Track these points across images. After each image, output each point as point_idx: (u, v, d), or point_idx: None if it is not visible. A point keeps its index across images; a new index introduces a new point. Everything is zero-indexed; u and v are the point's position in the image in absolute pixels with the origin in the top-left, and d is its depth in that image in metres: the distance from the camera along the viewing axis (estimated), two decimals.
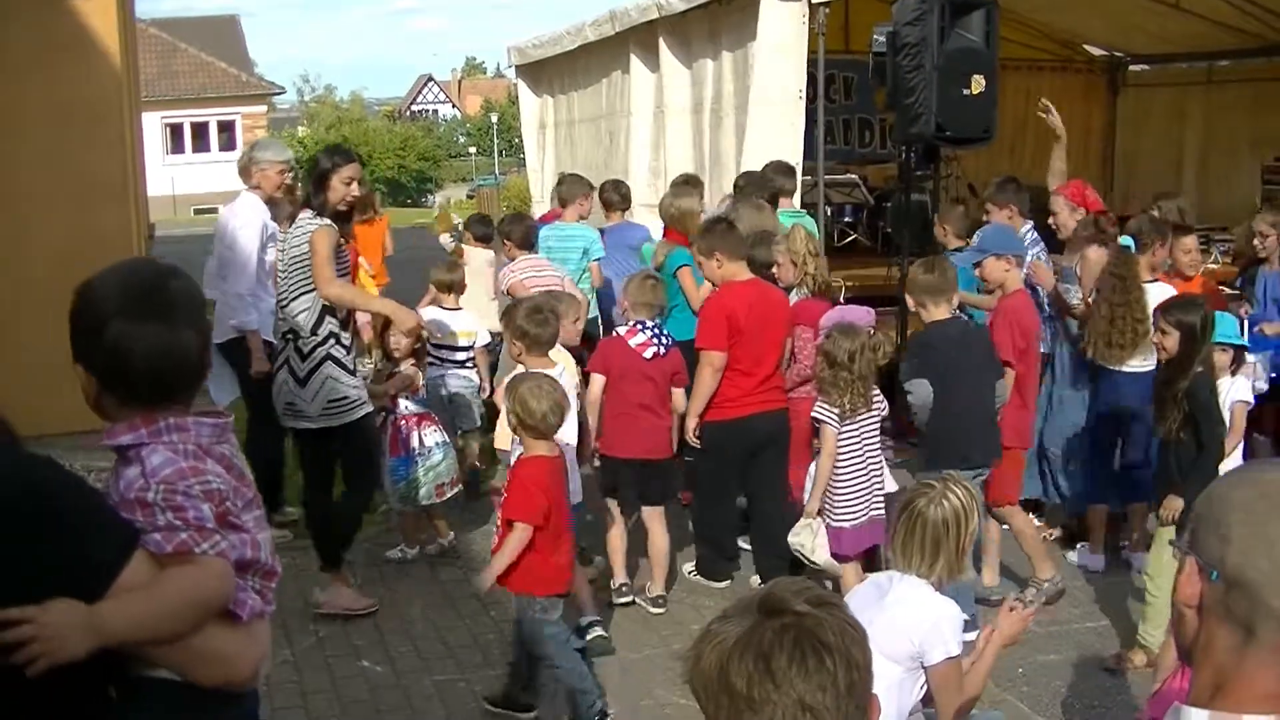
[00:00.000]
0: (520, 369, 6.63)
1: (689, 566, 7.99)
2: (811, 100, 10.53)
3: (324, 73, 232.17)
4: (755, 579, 7.56)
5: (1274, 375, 8.44)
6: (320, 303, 6.99)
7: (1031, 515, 8.13)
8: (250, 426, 8.17)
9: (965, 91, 9.66)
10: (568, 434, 6.73)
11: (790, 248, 8.06)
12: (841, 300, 8.79)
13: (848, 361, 6.76)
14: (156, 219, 23.85)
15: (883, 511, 7.00)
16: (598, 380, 7.41)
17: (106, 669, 2.47)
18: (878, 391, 7.05)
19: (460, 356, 9.03)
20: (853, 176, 14.75)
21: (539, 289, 8.46)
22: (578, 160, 15.54)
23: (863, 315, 7.52)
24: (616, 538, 7.61)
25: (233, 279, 8.31)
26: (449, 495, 8.14)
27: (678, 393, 7.53)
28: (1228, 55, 15.37)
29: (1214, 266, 10.58)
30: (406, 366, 7.91)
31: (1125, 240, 8.18)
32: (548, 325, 6.75)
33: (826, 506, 6.89)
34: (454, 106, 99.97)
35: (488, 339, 9.21)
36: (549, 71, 17.23)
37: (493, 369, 9.13)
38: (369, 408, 7.29)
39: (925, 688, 4.34)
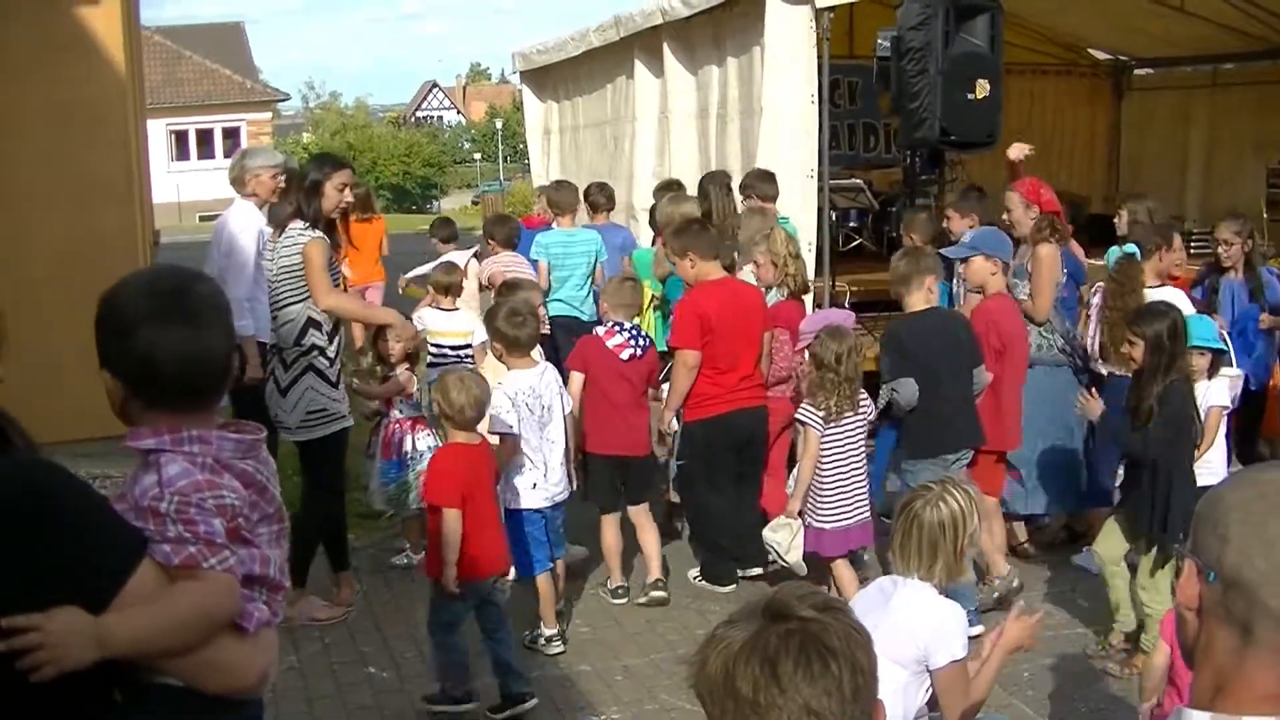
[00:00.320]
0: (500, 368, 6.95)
1: (694, 572, 8.00)
2: (818, 104, 10.53)
3: (329, 79, 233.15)
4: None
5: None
6: (306, 314, 6.97)
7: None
8: None
9: (970, 96, 9.68)
10: (555, 433, 6.89)
11: (771, 249, 8.11)
12: (846, 305, 8.83)
13: (835, 363, 6.81)
14: (162, 225, 23.87)
15: (868, 514, 7.11)
16: (577, 378, 7.56)
17: (111, 673, 2.47)
18: (864, 394, 7.10)
19: (455, 356, 9.07)
20: (857, 181, 14.72)
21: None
22: (582, 166, 15.54)
23: (844, 319, 7.65)
24: (611, 538, 7.74)
25: (231, 284, 8.26)
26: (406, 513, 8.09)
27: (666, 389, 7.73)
28: (1232, 58, 15.37)
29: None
30: (401, 371, 7.91)
31: (1130, 248, 8.16)
32: (525, 326, 6.92)
33: (809, 507, 6.96)
34: (459, 112, 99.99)
35: (484, 337, 9.23)
36: (554, 77, 17.24)
37: None
38: (348, 423, 7.27)
39: (931, 691, 4.34)
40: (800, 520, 6.96)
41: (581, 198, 11.17)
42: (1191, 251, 10.33)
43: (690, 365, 7.47)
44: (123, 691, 2.56)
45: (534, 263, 10.45)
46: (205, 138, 49.59)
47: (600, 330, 7.76)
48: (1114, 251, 9.47)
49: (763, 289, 8.08)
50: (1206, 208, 14.28)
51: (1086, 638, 7.00)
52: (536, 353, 7.45)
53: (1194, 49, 15.40)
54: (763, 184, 9.79)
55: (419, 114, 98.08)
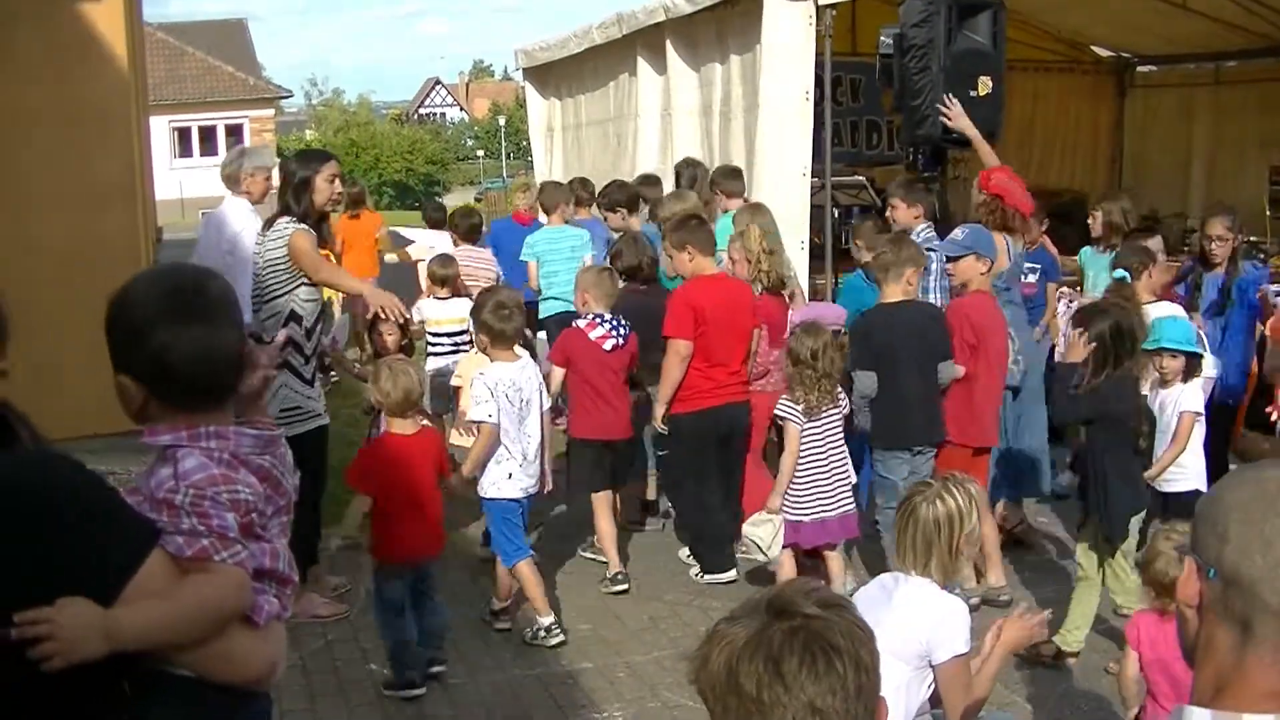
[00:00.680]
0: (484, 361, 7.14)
1: (695, 570, 8.03)
2: (818, 102, 10.53)
3: (331, 76, 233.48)
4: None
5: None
6: (287, 310, 6.99)
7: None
8: None
9: (972, 93, 9.66)
10: (532, 426, 7.02)
11: (745, 245, 8.20)
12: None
13: (810, 359, 6.93)
14: (164, 222, 23.91)
15: (851, 507, 7.21)
16: (557, 373, 7.75)
17: (121, 664, 2.47)
18: (840, 389, 7.20)
19: (450, 343, 9.31)
20: (860, 178, 14.73)
21: (469, 277, 9.93)
22: (585, 163, 15.53)
23: (836, 315, 7.79)
24: (605, 524, 7.89)
25: (238, 281, 8.29)
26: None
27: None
28: (1235, 56, 15.37)
29: None
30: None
31: (1119, 273, 8.14)
32: (511, 320, 7.00)
33: (786, 501, 7.06)
34: (461, 110, 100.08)
35: None
36: (556, 74, 17.23)
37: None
38: (323, 420, 7.26)
39: (933, 687, 4.34)
40: (781, 515, 7.06)
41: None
42: (1186, 248, 10.35)
43: (683, 355, 7.60)
44: (131, 682, 2.57)
45: (524, 264, 10.72)
46: (208, 134, 49.53)
47: (581, 323, 7.84)
48: (1086, 252, 9.46)
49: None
50: (1209, 205, 14.29)
51: (1089, 635, 6.99)
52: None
53: (1197, 46, 15.39)
54: (728, 180, 10.06)
55: (422, 111, 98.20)
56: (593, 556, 8.15)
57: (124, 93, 10.94)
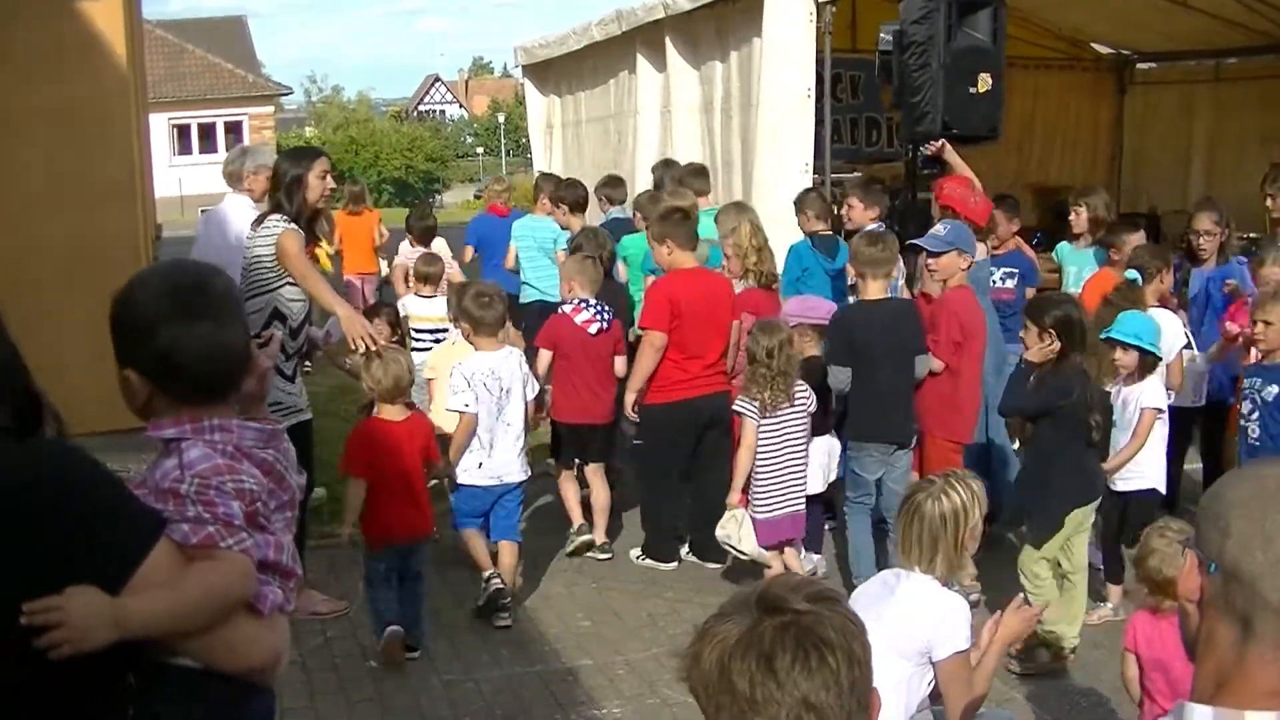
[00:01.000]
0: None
1: (635, 552, 8.20)
2: (818, 99, 10.53)
3: (331, 73, 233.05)
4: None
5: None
6: (272, 306, 6.97)
7: None
8: None
9: (972, 90, 9.66)
10: (512, 416, 7.18)
11: (735, 242, 8.36)
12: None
13: (765, 358, 7.02)
14: (163, 220, 23.88)
15: (802, 506, 7.28)
16: (545, 355, 7.98)
17: (125, 656, 2.48)
18: (804, 386, 7.25)
19: (432, 339, 9.48)
20: (859, 175, 14.74)
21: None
22: (585, 160, 15.54)
23: (828, 309, 7.92)
24: (570, 490, 8.33)
25: (240, 278, 8.31)
26: None
27: (620, 361, 8.13)
28: (1235, 53, 15.37)
29: None
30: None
31: (1131, 274, 8.12)
32: (491, 307, 7.19)
33: (750, 498, 7.15)
34: (461, 107, 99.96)
35: None
36: (556, 71, 17.23)
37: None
38: (305, 416, 7.26)
39: (933, 684, 4.34)
40: (745, 510, 7.17)
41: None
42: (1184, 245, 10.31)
43: (656, 346, 7.77)
44: (136, 675, 2.58)
45: (503, 253, 11.36)
46: (207, 132, 49.49)
47: (567, 308, 8.10)
48: (1064, 248, 9.41)
49: (731, 279, 8.38)
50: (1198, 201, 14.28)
51: (1088, 630, 6.99)
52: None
53: (1197, 43, 15.39)
54: (695, 179, 10.30)
55: (421, 108, 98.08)
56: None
57: (123, 90, 10.94)
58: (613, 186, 11.53)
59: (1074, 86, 17.17)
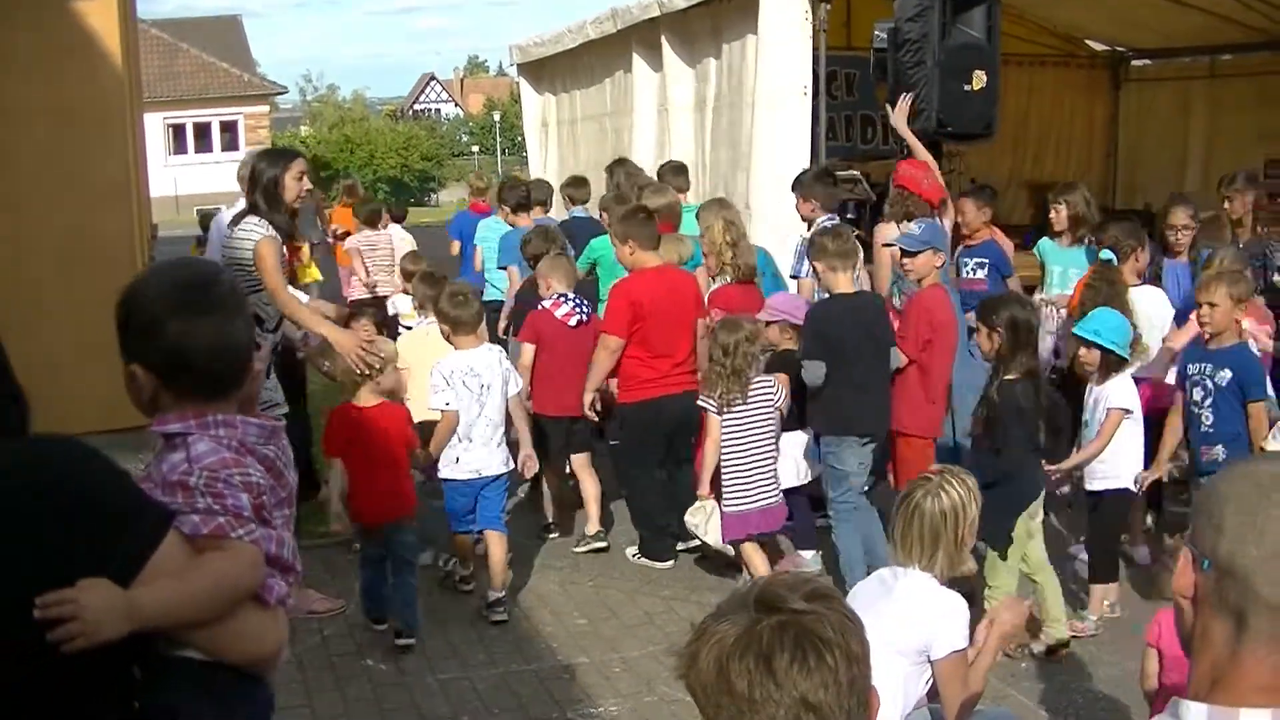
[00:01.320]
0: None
1: (632, 550, 8.24)
2: (814, 96, 10.53)
3: (326, 72, 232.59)
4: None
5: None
6: (251, 309, 6.96)
7: None
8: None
9: (967, 87, 9.65)
10: (491, 411, 7.27)
11: (709, 239, 8.48)
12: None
13: (721, 356, 7.11)
14: (159, 220, 23.82)
15: (775, 500, 7.32)
16: (528, 349, 8.19)
17: (133, 648, 2.49)
18: (770, 380, 7.33)
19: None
20: (854, 173, 14.71)
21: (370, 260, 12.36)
22: (580, 158, 15.54)
23: (800, 305, 7.98)
24: (555, 485, 8.62)
25: None
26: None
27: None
28: (1230, 49, 15.36)
29: None
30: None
31: (1105, 254, 8.13)
32: (467, 306, 7.34)
33: (718, 491, 7.25)
34: (456, 105, 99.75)
35: None
36: (551, 70, 17.23)
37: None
38: (284, 408, 7.26)
39: (931, 681, 4.35)
40: (714, 502, 7.27)
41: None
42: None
43: (612, 349, 7.91)
44: (142, 667, 2.59)
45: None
46: (202, 131, 49.43)
47: (547, 303, 8.29)
48: (1046, 245, 9.39)
49: (709, 275, 8.64)
50: (1205, 199, 14.26)
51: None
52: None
53: (1192, 40, 15.38)
54: (675, 176, 10.54)
55: (417, 107, 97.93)
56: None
57: (118, 90, 10.92)
58: (575, 186, 11.81)
59: (1069, 83, 17.17)
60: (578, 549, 8.34)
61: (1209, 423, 6.76)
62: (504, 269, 10.75)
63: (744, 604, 2.02)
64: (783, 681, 1.93)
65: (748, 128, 10.76)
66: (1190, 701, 1.94)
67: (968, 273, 9.27)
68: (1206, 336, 6.84)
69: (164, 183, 37.69)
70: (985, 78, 9.74)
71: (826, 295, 7.55)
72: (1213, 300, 6.71)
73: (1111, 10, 15.04)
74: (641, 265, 8.02)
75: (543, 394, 8.21)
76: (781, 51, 10.34)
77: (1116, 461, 6.95)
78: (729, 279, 8.46)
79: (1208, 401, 6.77)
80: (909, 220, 8.21)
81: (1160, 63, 16.89)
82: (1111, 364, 6.87)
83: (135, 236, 11.13)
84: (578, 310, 8.24)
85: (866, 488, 7.46)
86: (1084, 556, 7.47)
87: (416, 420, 7.20)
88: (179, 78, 47.70)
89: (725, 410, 7.14)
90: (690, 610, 7.34)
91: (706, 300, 8.37)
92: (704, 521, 7.34)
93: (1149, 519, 8.30)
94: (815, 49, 10.41)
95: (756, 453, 7.23)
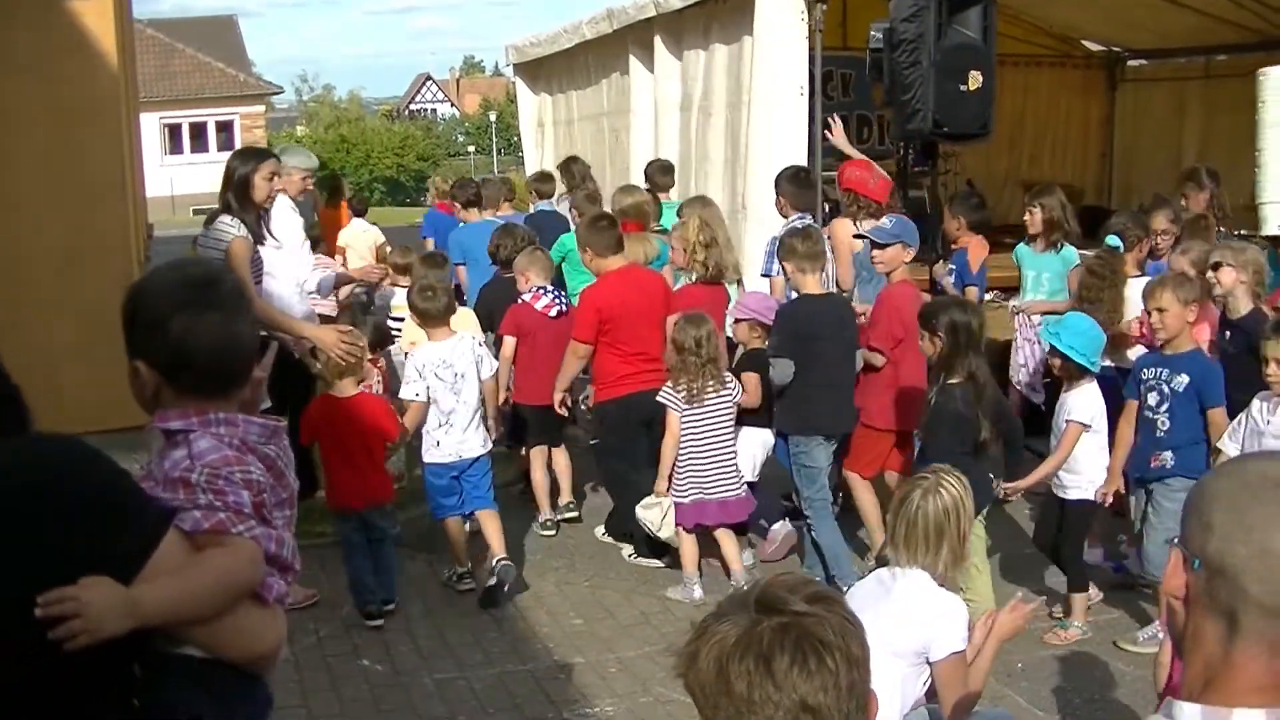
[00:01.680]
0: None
1: (628, 550, 8.29)
2: (809, 96, 10.53)
3: (322, 72, 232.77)
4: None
5: None
6: None
7: None
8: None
9: (963, 87, 9.65)
10: (468, 396, 7.53)
11: (682, 235, 8.61)
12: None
13: (695, 347, 7.25)
14: (155, 219, 23.85)
15: (736, 493, 7.46)
16: (509, 342, 8.46)
17: (133, 646, 2.50)
18: (729, 376, 7.55)
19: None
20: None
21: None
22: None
23: (771, 305, 8.10)
24: (540, 474, 8.70)
25: (289, 271, 8.40)
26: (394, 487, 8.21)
27: None
28: (1226, 49, 15.35)
29: None
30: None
31: (1112, 240, 8.13)
32: (435, 300, 7.59)
33: (677, 483, 7.40)
34: (452, 105, 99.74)
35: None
36: (547, 70, 17.23)
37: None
38: (266, 403, 7.28)
39: (929, 683, 4.36)
40: (669, 497, 7.42)
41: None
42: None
43: (580, 355, 8.05)
44: (141, 665, 2.59)
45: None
46: (198, 131, 49.37)
47: (526, 296, 8.53)
48: (1023, 250, 9.36)
49: (676, 270, 8.89)
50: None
51: (1081, 626, 7.01)
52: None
53: (1187, 40, 15.39)
54: (660, 175, 10.85)
55: (413, 107, 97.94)
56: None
57: (114, 90, 10.92)
58: (541, 181, 12.42)
59: (1065, 84, 17.16)
60: (548, 524, 8.62)
61: (1165, 428, 6.60)
62: (460, 265, 11.06)
63: (745, 605, 2.02)
64: (782, 683, 1.93)
65: (744, 128, 10.77)
66: (1183, 702, 1.94)
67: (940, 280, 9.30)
68: (1159, 342, 6.74)
69: (160, 183, 37.73)
70: (981, 78, 9.74)
71: (795, 295, 7.63)
72: (1160, 306, 6.60)
73: (1107, 11, 15.05)
74: (605, 269, 8.11)
75: (525, 384, 8.47)
76: (777, 52, 10.35)
77: (1082, 472, 6.81)
78: (694, 278, 8.58)
79: (1164, 407, 6.61)
80: (870, 217, 8.45)
81: (1156, 63, 16.89)
82: (1073, 372, 6.75)
83: (131, 236, 11.13)
84: (557, 301, 8.49)
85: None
86: (1106, 563, 7.50)
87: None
88: (175, 78, 47.65)
89: (696, 402, 7.31)
90: (687, 610, 7.34)
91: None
92: (659, 518, 7.50)
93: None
94: (811, 49, 10.41)
95: (716, 445, 7.42)
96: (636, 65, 13.37)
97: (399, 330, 9.61)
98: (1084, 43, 17.23)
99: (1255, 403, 6.18)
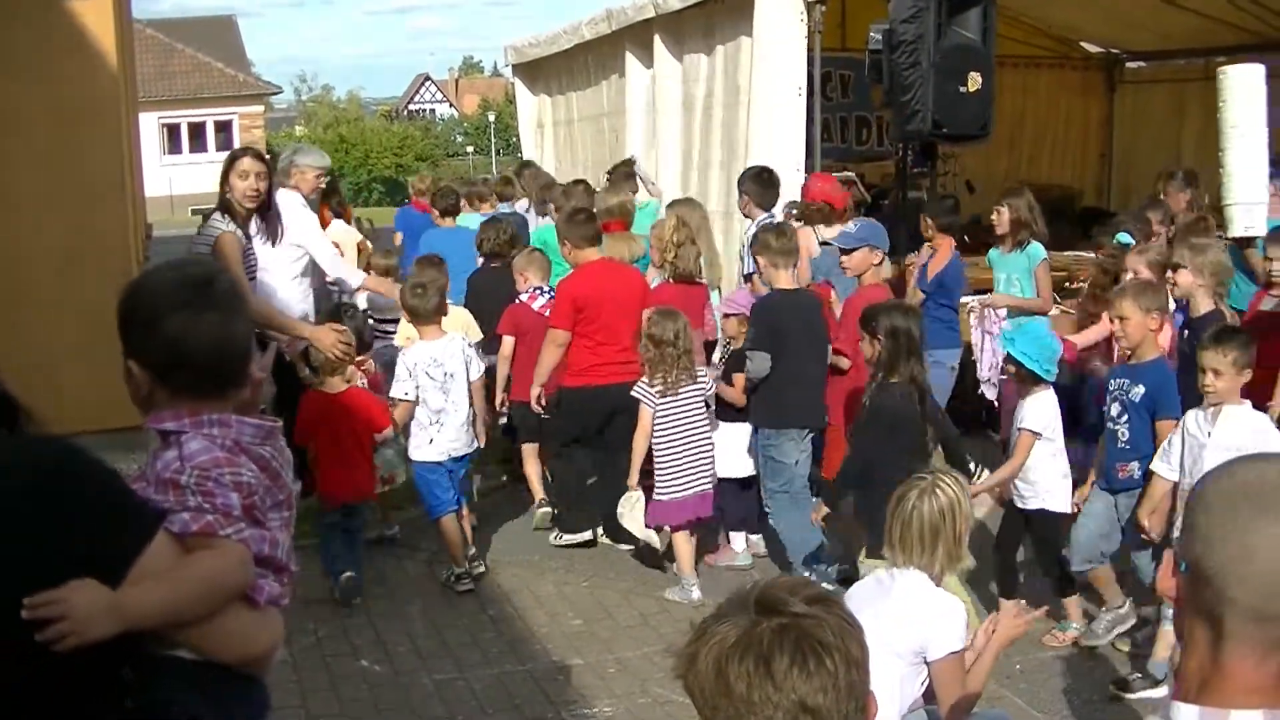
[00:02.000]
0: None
1: (553, 535, 8.49)
2: (808, 97, 10.54)
3: (321, 72, 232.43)
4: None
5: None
6: None
7: None
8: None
9: (962, 89, 9.66)
10: (457, 396, 7.67)
11: (658, 234, 8.77)
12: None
13: (673, 339, 7.34)
14: (154, 219, 23.84)
15: (708, 486, 7.56)
16: (508, 341, 8.61)
17: (124, 648, 2.49)
18: (703, 370, 7.68)
19: (390, 329, 9.88)
20: (849, 174, 14.71)
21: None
22: (578, 159, 15.54)
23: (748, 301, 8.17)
24: (533, 467, 8.87)
25: (306, 267, 8.53)
26: (385, 488, 8.28)
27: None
28: (1225, 51, 15.33)
29: None
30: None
31: (1122, 237, 8.15)
32: (426, 298, 7.73)
33: (655, 479, 7.49)
34: (451, 106, 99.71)
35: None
36: (546, 70, 17.23)
37: None
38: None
39: (927, 683, 4.36)
40: (639, 493, 7.52)
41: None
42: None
43: (559, 343, 8.15)
44: (133, 668, 2.59)
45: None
46: (197, 131, 49.37)
47: (523, 297, 8.75)
48: (993, 254, 9.34)
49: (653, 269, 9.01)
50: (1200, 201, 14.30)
51: (1080, 629, 7.01)
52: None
53: (1186, 42, 15.39)
54: (624, 180, 11.04)
55: (411, 107, 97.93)
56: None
57: (113, 90, 10.90)
58: (503, 184, 13.21)
59: (1064, 85, 17.16)
60: (544, 503, 8.73)
61: (1125, 439, 6.52)
62: None
63: (744, 606, 2.03)
64: (781, 684, 1.94)
65: (743, 129, 10.77)
66: (1181, 703, 1.95)
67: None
68: (1126, 352, 6.67)
69: (159, 182, 37.72)
70: (980, 79, 9.75)
71: (766, 289, 7.73)
72: (1122, 314, 6.52)
73: (1106, 12, 15.06)
74: (581, 261, 8.26)
75: (522, 383, 8.51)
76: (776, 52, 10.35)
77: (1036, 481, 6.69)
78: (668, 276, 8.69)
79: (1123, 417, 6.53)
80: (827, 224, 8.72)
81: (1155, 65, 16.90)
82: (1026, 378, 6.68)
83: (130, 236, 11.10)
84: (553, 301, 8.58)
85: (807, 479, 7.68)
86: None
87: None
88: (174, 77, 47.64)
89: (671, 394, 7.39)
90: (685, 611, 7.35)
91: None
92: (629, 513, 7.60)
93: None
94: (810, 50, 10.41)
95: (691, 441, 7.51)
96: (634, 65, 13.37)
97: (381, 332, 9.74)
98: (1083, 44, 17.24)
99: (1190, 419, 5.99)
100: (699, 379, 7.57)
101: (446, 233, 11.69)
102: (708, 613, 2.10)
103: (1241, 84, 7.77)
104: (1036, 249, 8.89)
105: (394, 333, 9.49)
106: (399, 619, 7.33)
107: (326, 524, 7.55)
